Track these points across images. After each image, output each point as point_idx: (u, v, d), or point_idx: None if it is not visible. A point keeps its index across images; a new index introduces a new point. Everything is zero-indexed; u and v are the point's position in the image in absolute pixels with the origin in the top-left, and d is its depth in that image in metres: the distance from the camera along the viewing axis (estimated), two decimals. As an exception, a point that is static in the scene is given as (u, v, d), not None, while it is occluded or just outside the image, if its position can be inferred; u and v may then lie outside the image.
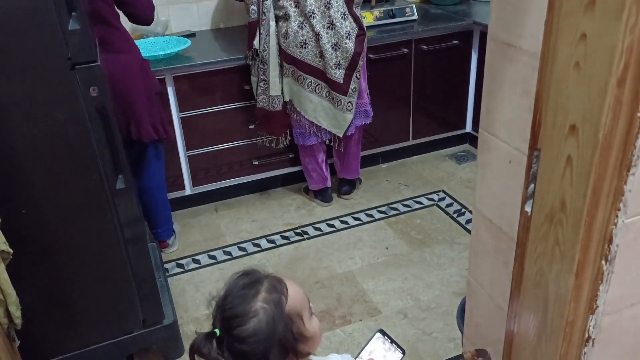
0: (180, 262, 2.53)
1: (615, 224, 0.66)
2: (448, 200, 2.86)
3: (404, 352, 1.22)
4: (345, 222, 2.73)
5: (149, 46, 2.62)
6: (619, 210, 0.65)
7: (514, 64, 0.79)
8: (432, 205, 2.82)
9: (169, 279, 2.34)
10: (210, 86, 2.59)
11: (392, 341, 1.23)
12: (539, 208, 0.73)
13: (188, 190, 2.80)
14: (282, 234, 2.68)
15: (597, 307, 0.72)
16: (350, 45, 2.40)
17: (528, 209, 0.75)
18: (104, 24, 2.01)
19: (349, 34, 2.39)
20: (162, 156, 2.39)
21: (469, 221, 2.68)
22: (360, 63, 2.46)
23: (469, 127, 3.29)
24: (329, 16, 2.34)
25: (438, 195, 2.92)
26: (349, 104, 2.51)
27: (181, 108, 2.58)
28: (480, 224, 0.95)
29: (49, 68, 1.38)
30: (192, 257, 2.55)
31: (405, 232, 2.63)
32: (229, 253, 2.57)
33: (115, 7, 2.06)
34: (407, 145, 3.18)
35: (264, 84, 2.49)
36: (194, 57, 2.56)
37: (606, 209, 0.65)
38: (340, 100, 2.49)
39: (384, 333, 1.24)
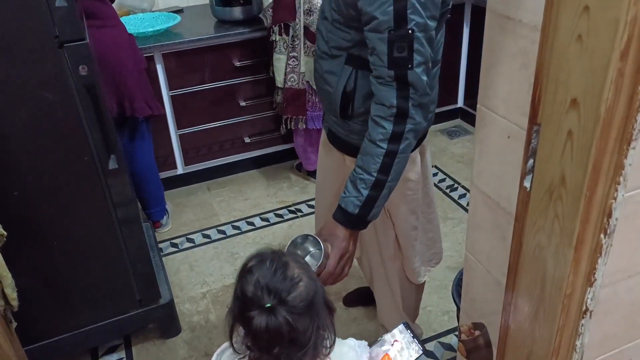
0: (174, 241, 2.52)
1: (615, 198, 0.66)
2: (441, 176, 2.87)
3: (424, 351, 1.16)
4: (339, 199, 2.73)
5: (138, 22, 2.57)
6: (619, 184, 0.65)
7: (513, 38, 0.78)
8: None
9: (163, 258, 2.34)
10: (200, 63, 2.56)
11: (414, 336, 1.18)
12: (539, 183, 0.73)
13: (180, 169, 2.78)
14: (276, 212, 2.68)
15: (595, 279, 0.73)
16: None
17: (527, 184, 0.75)
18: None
19: None
20: (150, 132, 2.36)
21: (461, 196, 2.70)
22: None
23: (460, 102, 3.28)
24: None
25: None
26: None
27: (171, 86, 2.54)
28: (478, 200, 0.96)
29: (36, 47, 1.34)
30: (186, 236, 2.55)
31: (398, 208, 2.64)
32: (223, 232, 2.57)
33: None
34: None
35: (293, 60, 2.43)
36: (182, 34, 2.52)
37: (606, 183, 0.65)
38: None
39: (407, 327, 1.20)
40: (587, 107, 0.62)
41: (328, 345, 1.00)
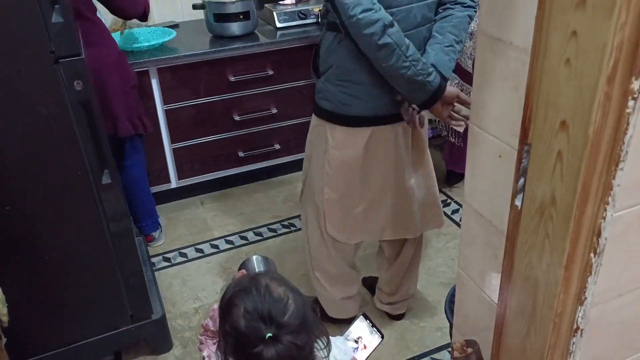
0: (167, 255, 2.51)
1: (604, 218, 0.67)
2: (433, 191, 2.88)
3: (382, 337, 1.30)
4: (332, 214, 2.74)
5: (133, 37, 2.58)
6: (608, 204, 0.67)
7: (504, 59, 0.79)
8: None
9: (156, 273, 2.32)
10: (195, 78, 2.57)
11: (373, 325, 1.30)
12: (530, 202, 0.74)
13: (174, 183, 2.78)
14: (269, 227, 2.67)
15: (586, 298, 0.74)
16: None
17: (518, 202, 0.76)
18: (78, 17, 1.94)
19: None
20: (142, 149, 2.36)
21: (454, 212, 2.71)
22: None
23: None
24: None
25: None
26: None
27: (165, 100, 2.55)
28: (470, 217, 0.96)
29: (32, 62, 1.35)
30: (178, 250, 2.54)
31: (391, 223, 2.65)
32: (216, 246, 2.56)
33: (93, 0, 2.02)
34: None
35: None
36: (178, 49, 2.53)
37: (595, 203, 0.66)
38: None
39: (366, 317, 1.31)
40: (576, 129, 0.64)
41: (323, 348, 1.00)
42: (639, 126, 0.62)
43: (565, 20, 0.61)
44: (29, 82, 1.37)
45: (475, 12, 1.59)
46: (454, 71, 2.32)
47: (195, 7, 2.69)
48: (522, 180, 0.75)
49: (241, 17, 2.62)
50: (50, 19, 1.32)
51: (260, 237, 2.61)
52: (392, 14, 1.43)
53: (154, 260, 2.46)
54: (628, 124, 0.61)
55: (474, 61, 2.31)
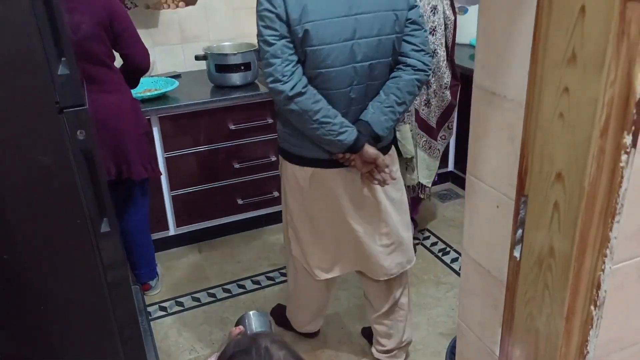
0: (164, 304, 2.48)
1: (603, 270, 0.68)
2: (433, 239, 2.87)
3: None
4: (331, 262, 2.72)
5: (138, 86, 2.63)
6: (606, 256, 0.67)
7: (499, 111, 0.81)
8: (417, 244, 2.83)
9: (151, 322, 2.29)
10: (196, 126, 2.61)
11: None
12: (528, 253, 0.74)
13: (172, 230, 2.77)
14: (268, 275, 2.65)
15: (588, 352, 0.73)
16: (447, 95, 2.42)
17: (517, 253, 0.77)
18: (98, 64, 2.04)
19: (447, 84, 2.40)
20: (148, 194, 2.40)
21: (454, 260, 2.69)
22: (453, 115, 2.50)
23: (451, 166, 3.34)
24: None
25: (422, 234, 2.93)
26: (437, 150, 2.51)
27: (166, 148, 2.58)
28: (469, 267, 0.96)
29: (36, 112, 1.37)
30: (175, 299, 2.51)
31: (390, 271, 2.62)
32: (214, 295, 2.53)
33: (112, 49, 2.10)
34: (391, 184, 3.21)
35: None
36: (179, 98, 2.58)
37: (593, 255, 0.67)
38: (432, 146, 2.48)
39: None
40: (571, 181, 0.65)
41: None
42: (633, 179, 0.63)
43: (557, 75, 0.63)
44: (32, 131, 1.39)
45: (427, 75, 1.69)
46: (420, 128, 2.43)
47: (197, 58, 2.76)
48: (520, 231, 0.75)
49: (242, 67, 2.68)
50: (56, 71, 1.35)
51: (258, 286, 2.58)
52: (319, 74, 1.56)
53: (150, 309, 2.42)
54: (622, 177, 0.62)
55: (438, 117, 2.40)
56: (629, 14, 0.54)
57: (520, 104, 0.75)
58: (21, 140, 1.38)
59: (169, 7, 2.90)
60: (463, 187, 3.03)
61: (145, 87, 2.64)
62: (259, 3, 1.54)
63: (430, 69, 1.70)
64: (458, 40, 3.27)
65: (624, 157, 0.61)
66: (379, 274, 1.86)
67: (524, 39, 0.70)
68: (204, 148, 2.66)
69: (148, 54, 2.19)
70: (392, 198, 1.81)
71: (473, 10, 3.33)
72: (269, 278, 2.63)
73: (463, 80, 3.20)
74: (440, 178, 3.37)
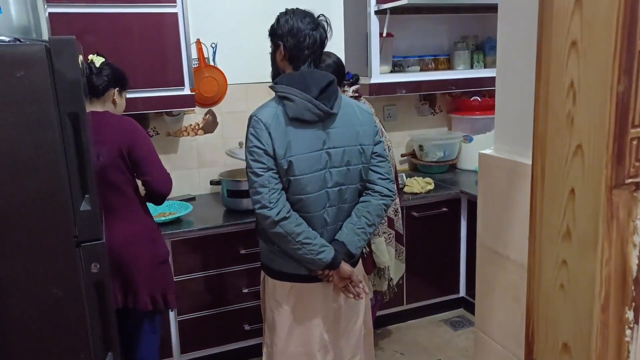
0: None
1: None
2: (446, 371, 2.75)
3: None
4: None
5: (152, 211, 2.71)
6: None
7: (503, 271, 0.83)
8: (430, 375, 2.71)
9: None
10: (206, 250, 2.64)
11: None
12: (540, 423, 0.72)
13: (176, 357, 2.69)
14: (272, 408, 2.51)
15: None
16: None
17: (529, 421, 0.74)
18: (116, 192, 2.03)
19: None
20: (158, 331, 2.30)
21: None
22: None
23: (462, 292, 3.29)
24: None
25: (435, 364, 2.82)
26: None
27: (176, 272, 2.59)
28: None
29: (54, 245, 1.41)
30: None
31: (402, 406, 2.49)
32: None
33: (134, 177, 2.09)
34: (402, 310, 3.15)
35: (389, 234, 2.61)
36: (193, 221, 2.64)
37: None
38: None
39: None
40: (577, 353, 0.65)
41: None
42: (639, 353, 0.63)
43: (555, 249, 0.66)
44: (49, 264, 1.42)
45: (392, 200, 1.92)
46: (396, 239, 2.58)
47: (212, 183, 2.87)
48: (531, 397, 0.74)
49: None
50: (79, 207, 1.42)
51: (262, 420, 2.44)
52: (300, 200, 1.75)
53: None
54: (629, 352, 0.62)
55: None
56: (616, 199, 0.58)
57: (522, 266, 0.77)
58: (35, 273, 1.41)
59: (188, 134, 3.07)
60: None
61: (159, 211, 2.71)
62: (248, 140, 1.74)
63: (394, 194, 1.91)
64: (464, 166, 3.46)
65: (628, 332, 0.62)
66: None
67: (522, 206, 0.74)
68: (213, 272, 2.66)
69: (168, 180, 2.13)
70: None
71: (478, 138, 3.48)
72: (274, 412, 2.49)
73: (469, 206, 3.28)
74: (452, 304, 3.31)
